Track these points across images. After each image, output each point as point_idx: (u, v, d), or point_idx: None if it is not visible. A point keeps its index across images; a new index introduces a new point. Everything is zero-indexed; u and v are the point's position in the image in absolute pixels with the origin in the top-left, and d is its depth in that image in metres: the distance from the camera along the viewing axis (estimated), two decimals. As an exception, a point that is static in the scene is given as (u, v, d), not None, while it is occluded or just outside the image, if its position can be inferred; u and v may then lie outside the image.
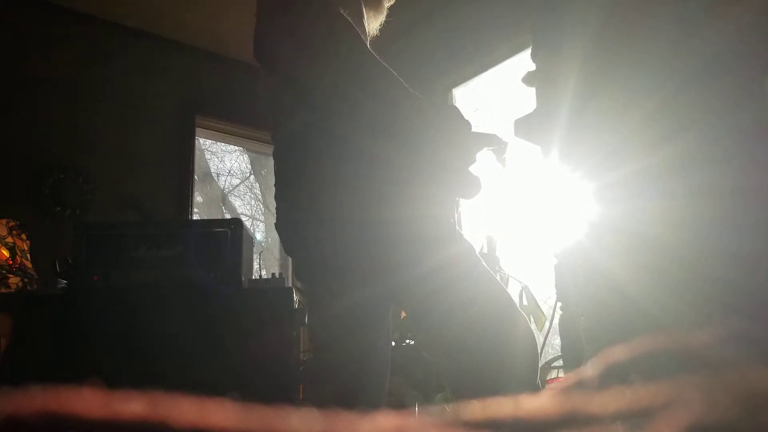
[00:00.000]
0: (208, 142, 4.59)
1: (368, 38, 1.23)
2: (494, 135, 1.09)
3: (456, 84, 3.43)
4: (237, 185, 5.51)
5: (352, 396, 1.14)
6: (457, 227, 1.16)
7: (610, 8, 1.13)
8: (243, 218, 3.70)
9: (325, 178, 1.09)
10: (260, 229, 5.48)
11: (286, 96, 1.16)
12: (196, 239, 1.90)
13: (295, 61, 1.08)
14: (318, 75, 1.06)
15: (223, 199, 5.47)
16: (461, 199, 1.13)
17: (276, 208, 1.20)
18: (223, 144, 4.78)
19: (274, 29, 1.10)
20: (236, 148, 5.01)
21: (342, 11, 1.04)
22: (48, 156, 3.17)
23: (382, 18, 1.31)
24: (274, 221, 1.22)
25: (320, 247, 1.12)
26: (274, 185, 1.20)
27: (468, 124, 1.06)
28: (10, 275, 2.14)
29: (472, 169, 1.08)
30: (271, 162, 1.23)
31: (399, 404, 2.16)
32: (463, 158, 1.06)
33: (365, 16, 1.20)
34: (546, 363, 2.41)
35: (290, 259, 1.39)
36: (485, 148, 1.09)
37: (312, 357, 2.16)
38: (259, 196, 5.57)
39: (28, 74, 3.18)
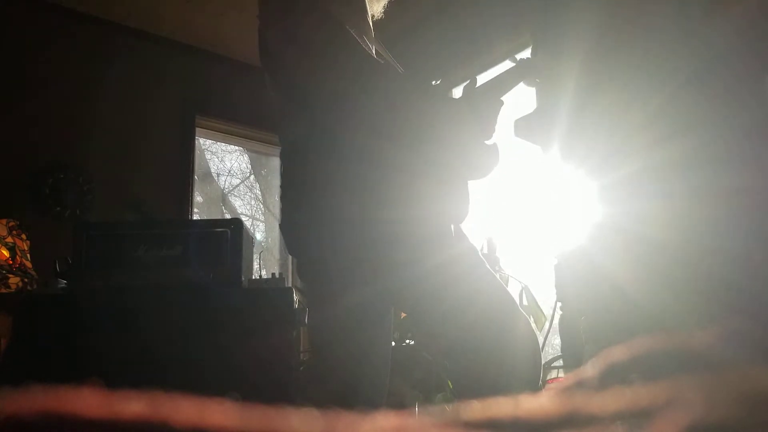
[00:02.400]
0: (208, 142, 4.58)
1: (371, 21, 1.24)
2: (519, 66, 1.11)
3: (456, 84, 3.43)
4: (237, 185, 5.50)
5: (351, 395, 1.14)
6: (461, 227, 1.16)
7: (610, 8, 1.13)
8: (243, 218, 3.70)
9: (326, 179, 1.09)
10: (260, 229, 5.47)
11: (288, 100, 1.17)
12: (196, 239, 1.90)
13: (296, 67, 1.09)
14: (319, 79, 1.07)
15: (223, 199, 5.47)
16: (476, 180, 1.13)
17: (280, 209, 1.21)
18: (223, 144, 4.78)
19: (274, 36, 1.12)
20: (236, 148, 5.01)
21: (342, 7, 1.05)
22: (48, 156, 3.17)
23: (384, 0, 1.32)
24: (278, 221, 1.23)
25: (321, 247, 1.12)
26: (280, 186, 1.21)
27: (468, 110, 1.06)
28: (10, 275, 2.14)
29: (488, 142, 1.09)
30: (271, 162, 1.24)
31: (399, 404, 2.16)
32: (470, 139, 1.07)
33: (367, 1, 1.21)
34: (546, 363, 2.41)
35: (290, 259, 1.40)
36: (514, 86, 1.11)
37: (311, 357, 2.16)
38: (259, 196, 5.56)
39: (28, 74, 3.18)
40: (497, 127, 1.11)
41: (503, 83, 1.11)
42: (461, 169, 1.09)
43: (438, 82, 1.10)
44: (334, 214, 1.09)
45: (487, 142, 1.09)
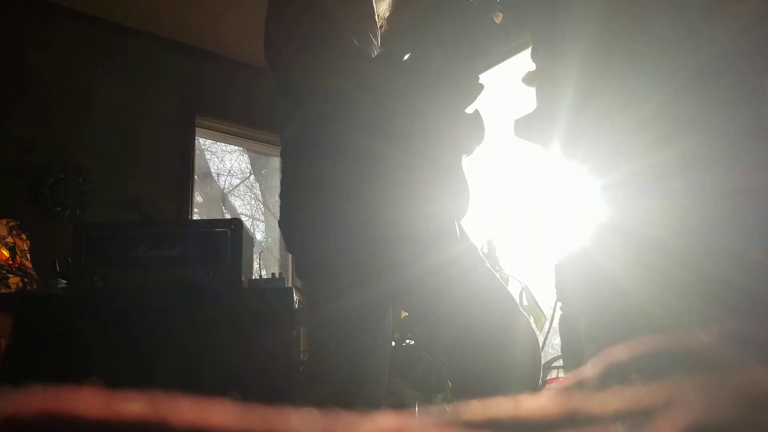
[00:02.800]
0: (208, 142, 4.58)
1: (378, 19, 1.24)
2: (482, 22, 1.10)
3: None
4: (237, 185, 5.50)
5: (349, 396, 1.14)
6: (462, 226, 1.16)
7: (610, 8, 1.13)
8: (243, 218, 3.70)
9: (324, 178, 1.09)
10: (260, 229, 5.47)
11: (286, 98, 1.17)
12: (196, 239, 1.90)
13: (293, 63, 1.10)
14: (314, 76, 1.07)
15: (223, 199, 5.47)
16: (470, 154, 1.13)
17: (279, 207, 1.21)
18: (223, 144, 4.78)
19: (273, 31, 1.12)
20: (236, 148, 5.01)
21: (348, 7, 1.05)
22: (48, 156, 3.17)
23: None
24: (278, 220, 1.23)
25: (320, 246, 1.12)
26: (280, 184, 1.21)
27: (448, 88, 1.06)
28: (10, 275, 2.14)
29: (470, 110, 1.08)
30: (271, 162, 1.24)
31: (399, 404, 2.16)
32: (450, 108, 1.07)
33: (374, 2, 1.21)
34: (546, 363, 2.41)
35: (290, 259, 1.40)
36: (486, 46, 1.09)
37: (309, 357, 2.16)
38: (259, 196, 5.56)
39: (27, 74, 3.18)
40: (478, 89, 1.09)
41: (468, 38, 1.09)
42: (446, 148, 1.09)
43: (408, 57, 1.08)
44: (333, 212, 1.09)
45: (468, 111, 1.09)
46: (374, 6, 1.21)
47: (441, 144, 1.07)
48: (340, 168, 1.08)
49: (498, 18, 1.12)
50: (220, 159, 5.38)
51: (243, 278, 1.91)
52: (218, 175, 5.39)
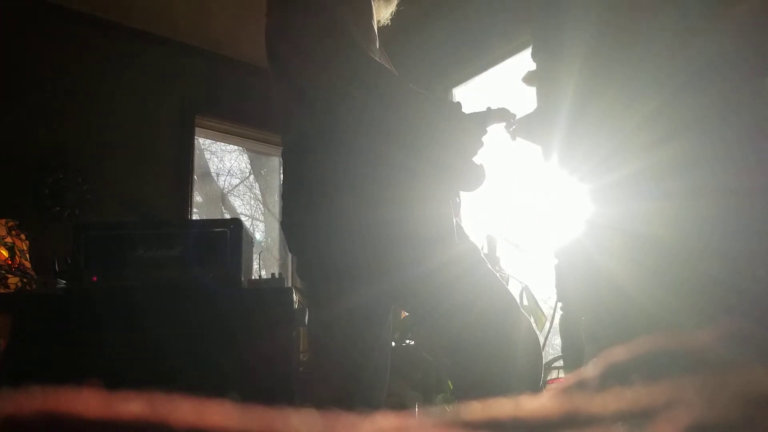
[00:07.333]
0: (208, 141, 4.58)
1: (377, 27, 1.24)
2: (502, 109, 1.13)
3: (456, 84, 3.42)
4: (237, 185, 5.50)
5: (349, 396, 1.14)
6: (462, 227, 1.16)
7: (610, 9, 1.13)
8: (243, 218, 3.70)
9: (328, 179, 1.09)
10: (260, 229, 5.47)
11: (293, 99, 1.17)
12: (195, 239, 1.90)
13: (297, 66, 1.09)
14: (319, 79, 1.07)
15: (223, 199, 5.46)
16: (465, 192, 1.14)
17: (281, 207, 1.21)
18: (223, 144, 4.78)
19: (276, 34, 1.12)
20: (236, 148, 5.00)
21: (347, 6, 1.05)
22: (48, 156, 3.17)
23: (392, 7, 1.32)
24: (279, 219, 1.23)
25: (323, 247, 1.12)
26: (281, 185, 1.21)
27: (463, 118, 1.07)
28: (10, 275, 2.14)
29: (475, 159, 1.10)
30: (270, 162, 1.24)
31: (399, 405, 2.16)
32: (463, 151, 1.08)
33: (374, 7, 1.21)
34: (546, 363, 2.41)
35: (290, 259, 1.39)
36: (494, 124, 1.12)
37: (310, 358, 2.16)
38: (259, 196, 5.56)
39: (28, 74, 3.18)
40: (480, 146, 1.12)
41: (487, 118, 1.13)
42: (451, 150, 1.10)
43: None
44: (336, 213, 1.09)
45: (474, 160, 1.10)
46: (372, 5, 1.20)
47: (446, 146, 1.08)
48: (347, 169, 1.08)
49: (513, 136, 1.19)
50: (219, 159, 5.38)
51: (243, 278, 1.91)
52: (218, 175, 5.38)
